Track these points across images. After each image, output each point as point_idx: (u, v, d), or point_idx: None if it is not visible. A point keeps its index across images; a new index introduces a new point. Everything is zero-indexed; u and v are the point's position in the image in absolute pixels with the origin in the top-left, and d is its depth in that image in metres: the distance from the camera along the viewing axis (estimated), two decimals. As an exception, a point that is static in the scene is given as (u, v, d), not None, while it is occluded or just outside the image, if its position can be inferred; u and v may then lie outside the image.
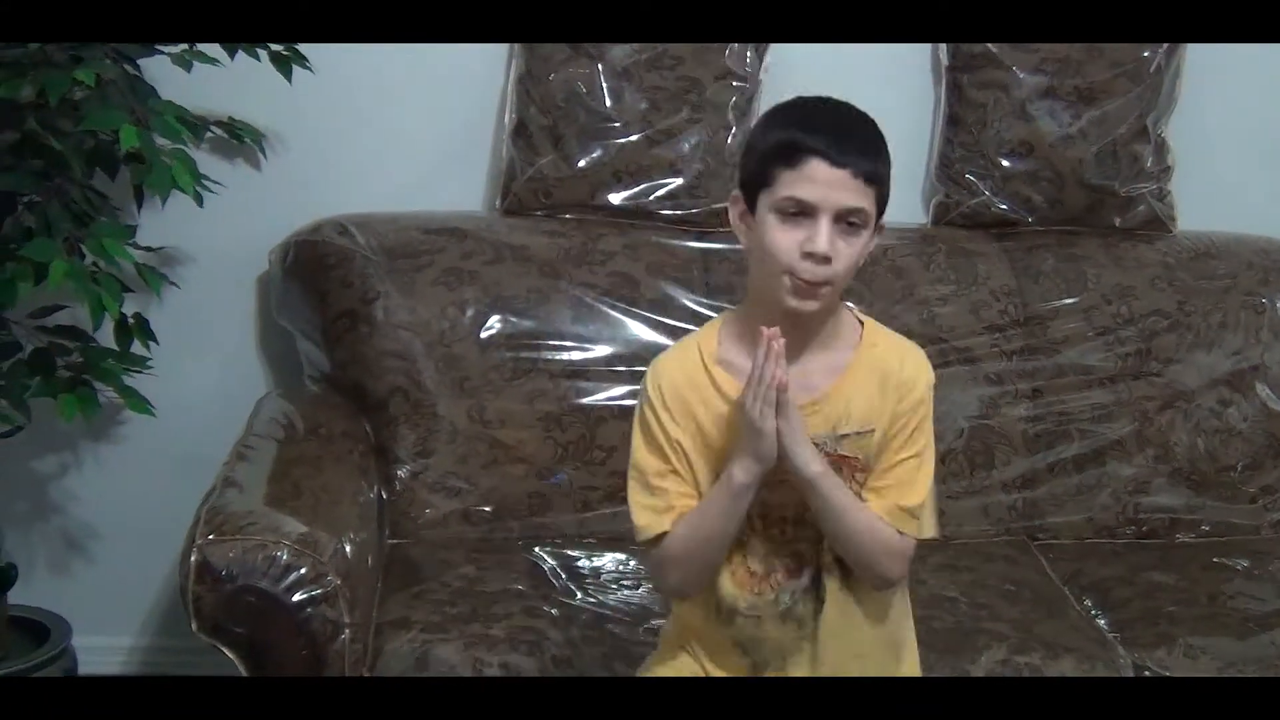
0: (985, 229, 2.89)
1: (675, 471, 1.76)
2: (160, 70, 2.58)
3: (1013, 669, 2.28)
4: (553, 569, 2.50)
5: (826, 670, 1.80)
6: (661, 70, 2.77)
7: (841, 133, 1.67)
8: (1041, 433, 2.80)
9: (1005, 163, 2.87)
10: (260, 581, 2.08)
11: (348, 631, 2.13)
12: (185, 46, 2.51)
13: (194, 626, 2.12)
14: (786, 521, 1.75)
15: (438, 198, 2.88)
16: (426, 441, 2.67)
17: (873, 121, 1.71)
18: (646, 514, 1.77)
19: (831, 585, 1.77)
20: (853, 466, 1.74)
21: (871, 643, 1.84)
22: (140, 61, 2.56)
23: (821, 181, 1.64)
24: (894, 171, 2.84)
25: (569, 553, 2.55)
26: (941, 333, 2.78)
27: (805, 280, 1.66)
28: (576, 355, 2.69)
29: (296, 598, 2.09)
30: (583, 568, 2.51)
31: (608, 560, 2.55)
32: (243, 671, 2.14)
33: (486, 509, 2.66)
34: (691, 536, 1.75)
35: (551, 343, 2.69)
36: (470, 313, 2.69)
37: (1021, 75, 2.83)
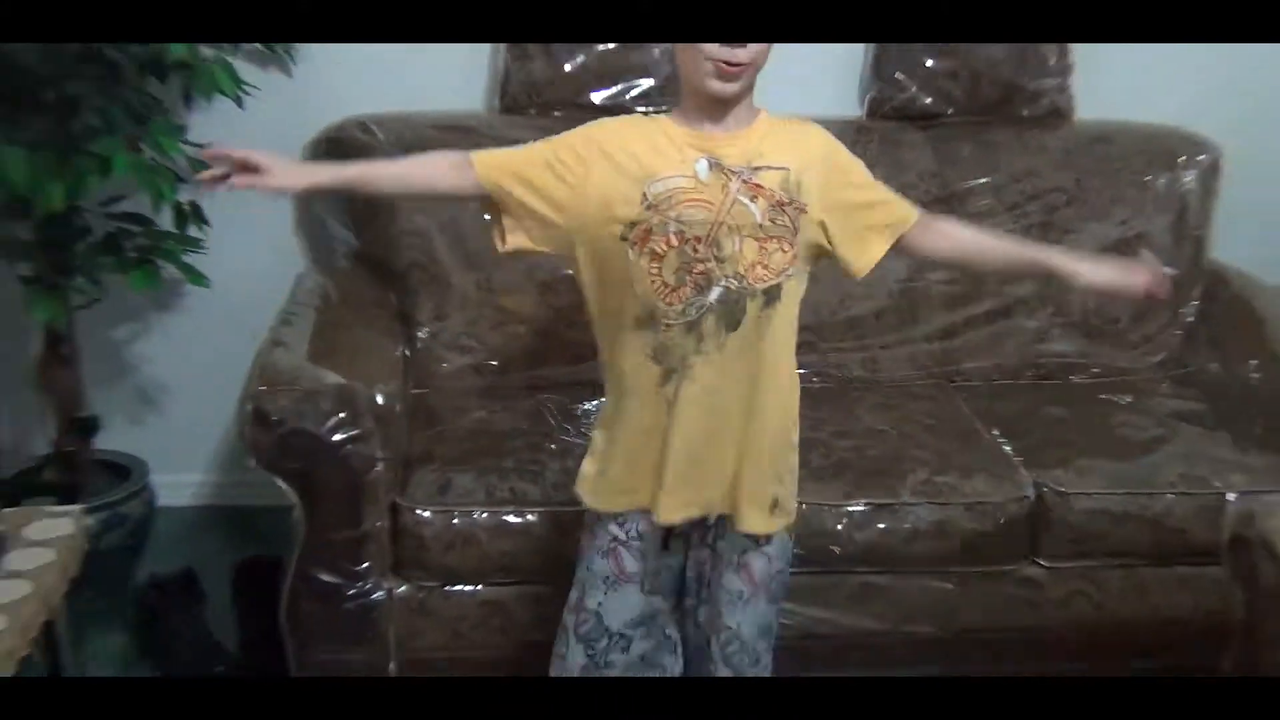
0: (912, 120, 2.89)
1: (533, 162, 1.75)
2: (203, -10, 2.56)
3: (933, 487, 2.34)
4: (550, 411, 2.55)
5: (722, 395, 1.76)
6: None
7: None
8: (958, 293, 2.83)
9: (929, 63, 2.86)
10: (307, 424, 2.14)
11: (380, 465, 2.19)
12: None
13: (252, 464, 2.18)
14: (699, 240, 1.69)
15: (444, 99, 2.87)
16: (441, 307, 2.71)
17: None
18: (493, 153, 1.78)
19: (752, 308, 1.72)
20: (769, 198, 1.70)
21: (768, 386, 1.80)
22: (185, -17, 2.54)
23: None
24: (830, 69, 2.93)
25: (563, 398, 2.58)
26: (875, 209, 2.81)
27: (725, 62, 1.65)
28: (567, 233, 2.70)
29: (337, 437, 2.14)
30: (575, 410, 2.54)
31: (596, 404, 2.59)
32: (294, 498, 2.20)
33: (494, 363, 2.71)
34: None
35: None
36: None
37: (930, 62, 2.86)
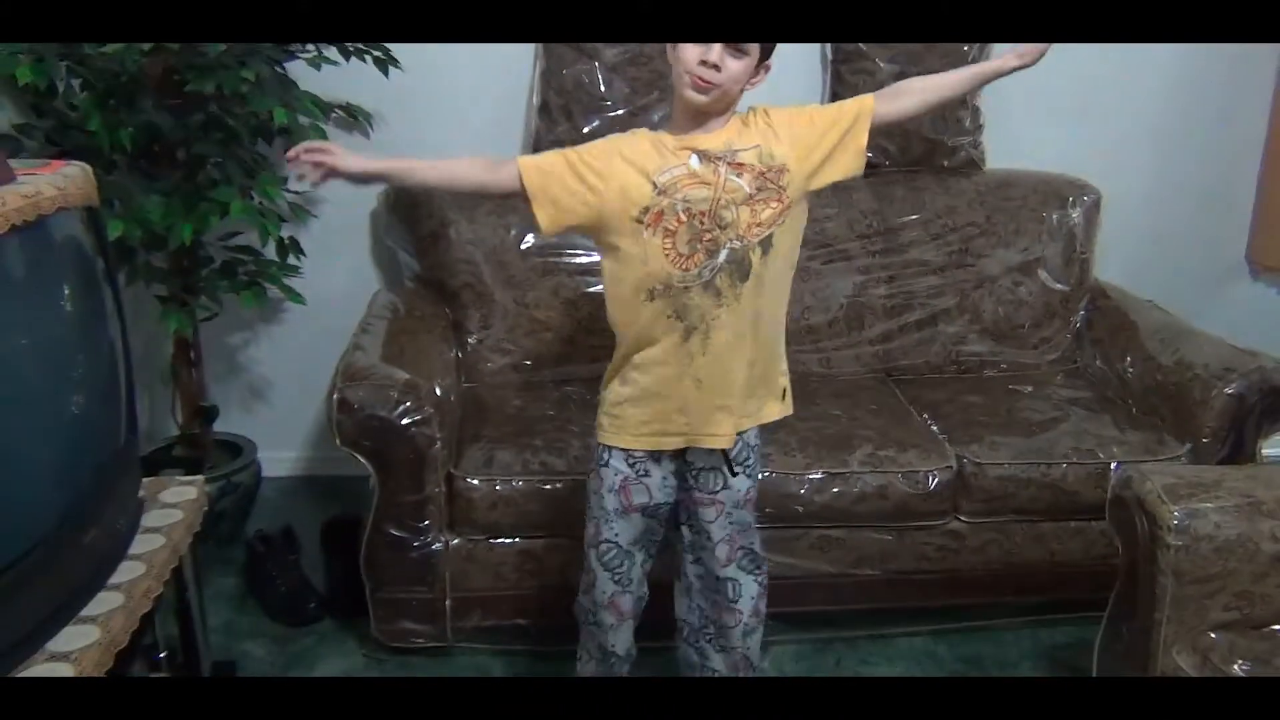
0: (857, 169, 2.87)
1: (569, 175, 1.72)
2: (300, 70, 2.54)
3: (876, 459, 2.32)
4: (574, 401, 2.53)
5: (741, 334, 1.74)
6: (638, 66, 2.73)
7: None
8: (895, 305, 2.81)
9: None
10: (381, 411, 2.12)
11: (439, 443, 2.18)
12: (316, 52, 2.48)
13: (337, 442, 2.16)
14: (705, 215, 1.66)
15: (489, 155, 2.84)
16: (487, 319, 2.68)
17: None
18: (536, 159, 1.78)
19: (755, 258, 1.70)
20: (752, 171, 1.68)
21: (774, 312, 1.79)
22: (286, 64, 2.52)
23: None
24: None
25: (584, 390, 2.54)
26: (828, 239, 2.78)
27: (700, 78, 1.64)
28: (584, 259, 2.67)
29: (405, 421, 2.13)
30: (594, 400, 2.47)
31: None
32: (370, 470, 2.18)
33: (528, 362, 2.68)
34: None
35: (567, 252, 2.69)
36: (513, 232, 2.68)
37: (882, 64, 2.79)
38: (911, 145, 2.86)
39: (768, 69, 1.72)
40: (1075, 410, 2.55)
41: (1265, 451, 2.44)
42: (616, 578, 1.89)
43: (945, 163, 2.90)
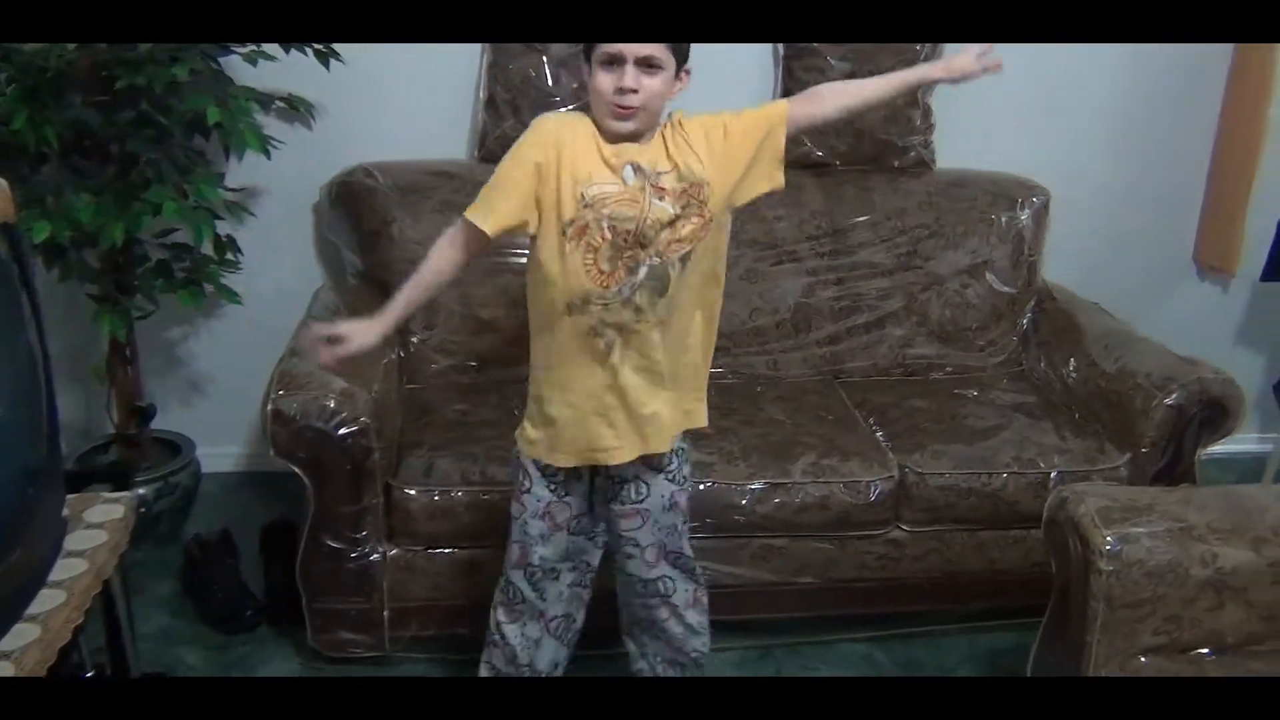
0: (807, 169, 2.83)
1: (517, 191, 1.65)
2: (241, 64, 2.47)
3: (818, 469, 2.31)
4: (516, 406, 2.46)
5: (659, 347, 1.73)
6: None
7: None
8: (843, 307, 2.79)
9: (821, 124, 2.81)
10: (316, 422, 2.09)
11: (376, 453, 2.14)
12: (253, 47, 2.41)
13: (272, 453, 2.12)
14: (630, 233, 1.64)
15: (434, 150, 2.79)
16: (431, 319, 2.64)
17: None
18: (482, 207, 1.68)
19: (674, 274, 1.68)
20: (674, 193, 1.66)
21: (690, 324, 1.77)
22: (221, 59, 2.44)
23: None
24: None
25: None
26: (777, 241, 2.75)
27: (619, 106, 1.62)
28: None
29: (341, 431, 2.09)
30: None
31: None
32: (307, 482, 2.15)
33: (472, 363, 2.65)
34: (427, 258, 1.76)
35: (512, 251, 2.60)
36: (458, 231, 2.64)
37: (834, 62, 2.76)
38: (862, 145, 2.84)
39: (688, 73, 1.69)
40: (1018, 417, 2.55)
41: (1203, 455, 2.45)
42: (542, 596, 1.91)
43: (896, 163, 2.88)
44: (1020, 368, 2.84)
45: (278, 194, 2.84)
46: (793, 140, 2.73)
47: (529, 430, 1.83)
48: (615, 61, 1.62)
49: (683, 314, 1.74)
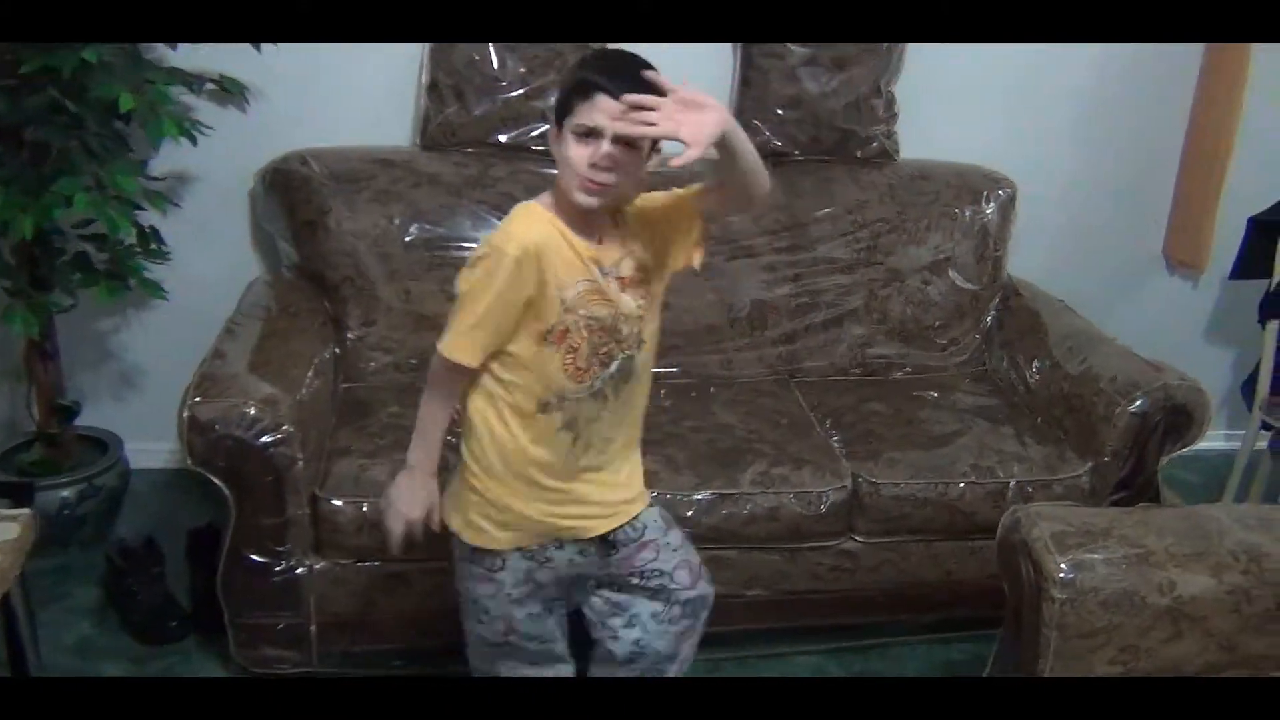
0: (766, 159, 2.66)
1: (507, 323, 1.56)
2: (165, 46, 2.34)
3: (768, 479, 2.21)
4: (456, 410, 2.37)
5: (618, 427, 1.68)
6: (534, 44, 2.56)
7: (624, 75, 1.47)
8: (800, 304, 2.68)
9: (780, 112, 2.70)
10: (235, 430, 1.97)
11: (301, 462, 2.03)
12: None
13: (189, 463, 2.01)
14: (605, 330, 1.59)
15: (374, 136, 2.66)
16: (369, 314, 2.52)
17: (652, 67, 1.49)
18: (468, 345, 1.57)
19: (638, 360, 1.65)
20: (633, 283, 1.62)
21: (642, 400, 1.72)
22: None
23: (604, 111, 1.48)
24: None
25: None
26: (732, 235, 2.64)
27: (592, 182, 1.52)
28: (473, 252, 2.51)
29: (261, 440, 1.98)
30: None
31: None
32: (226, 492, 2.03)
33: (413, 361, 2.51)
34: (427, 399, 1.71)
35: (456, 244, 2.52)
36: (397, 222, 2.51)
37: (793, 49, 2.64)
38: (823, 134, 2.73)
39: (658, 150, 1.59)
40: (978, 421, 2.46)
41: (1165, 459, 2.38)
42: (544, 639, 1.81)
43: (858, 153, 2.77)
44: (983, 368, 2.75)
45: (211, 181, 2.71)
46: (750, 129, 2.70)
47: (473, 517, 1.69)
48: (593, 135, 1.50)
49: (640, 391, 1.71)
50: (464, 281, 1.57)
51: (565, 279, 1.56)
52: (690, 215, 1.67)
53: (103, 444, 2.67)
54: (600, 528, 1.71)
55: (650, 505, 1.79)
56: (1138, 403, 2.28)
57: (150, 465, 2.88)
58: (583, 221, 1.58)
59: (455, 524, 1.72)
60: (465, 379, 1.65)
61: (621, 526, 1.74)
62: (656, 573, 1.77)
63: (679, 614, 1.80)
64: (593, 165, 1.51)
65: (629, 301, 1.62)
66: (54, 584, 2.47)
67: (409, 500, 1.70)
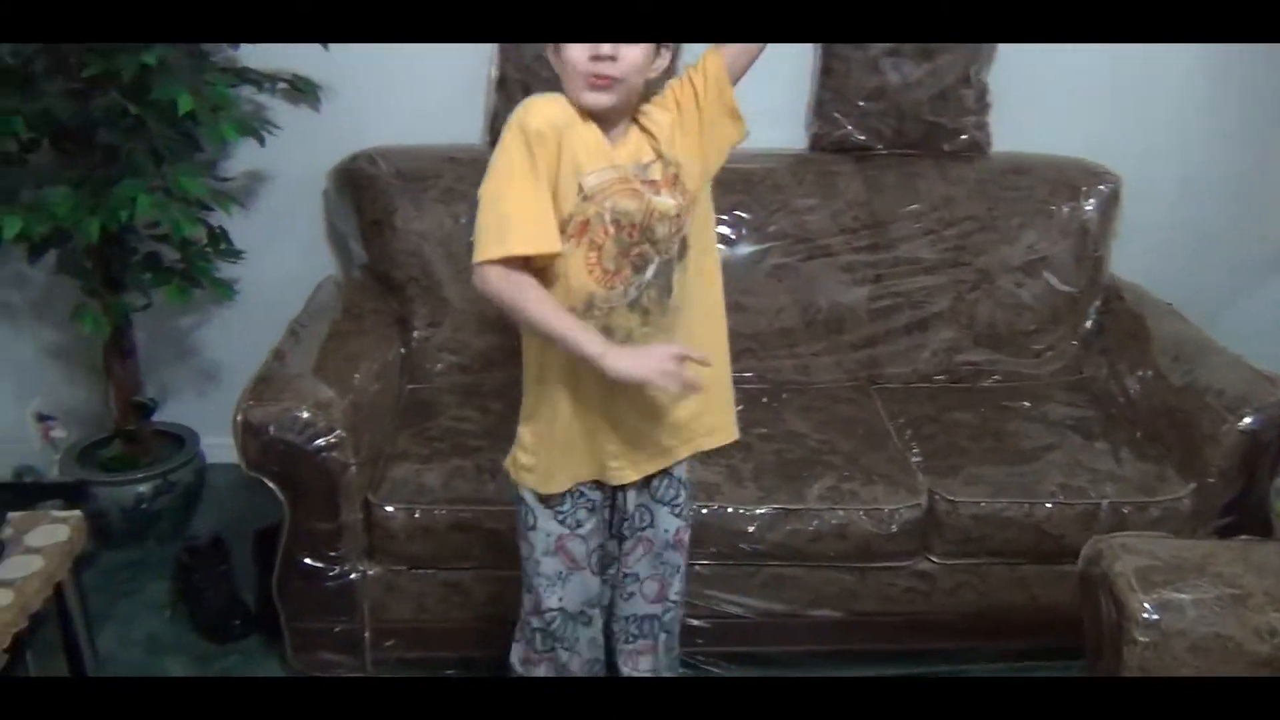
0: (847, 153, 2.59)
1: (531, 198, 1.44)
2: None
3: (837, 494, 2.10)
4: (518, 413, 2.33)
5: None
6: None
7: None
8: (882, 307, 2.54)
9: (862, 104, 2.56)
10: (287, 434, 1.96)
11: (354, 467, 2.01)
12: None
13: (244, 467, 2.00)
14: (635, 227, 1.48)
15: (444, 132, 2.61)
16: (434, 315, 2.49)
17: None
18: (492, 238, 1.45)
19: (678, 270, 1.53)
20: (669, 182, 1.51)
21: (697, 320, 1.60)
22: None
23: None
24: (781, 109, 2.64)
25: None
26: (808, 234, 2.52)
27: (597, 76, 1.42)
28: (540, 253, 2.46)
29: (314, 445, 1.96)
30: None
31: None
32: (280, 497, 2.02)
33: (476, 365, 2.48)
34: (519, 306, 1.48)
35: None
36: (463, 220, 2.46)
37: None
38: (908, 126, 2.58)
39: (670, 49, 1.50)
40: (1071, 435, 2.29)
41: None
42: (567, 645, 1.75)
43: (946, 146, 2.61)
44: (1080, 376, 2.57)
45: (285, 180, 2.71)
46: (830, 122, 2.58)
47: (521, 457, 1.66)
48: None
49: (692, 315, 1.59)
50: (488, 175, 1.48)
51: (585, 163, 1.46)
52: (714, 82, 1.52)
53: (180, 440, 2.70)
54: (624, 476, 1.63)
55: (684, 521, 1.71)
56: (1248, 419, 2.09)
57: (228, 460, 2.89)
58: (601, 127, 1.48)
59: (525, 480, 1.66)
60: (525, 271, 1.48)
61: (629, 516, 1.68)
62: (633, 576, 1.74)
63: (637, 631, 1.78)
64: (595, 58, 1.42)
65: (665, 200, 1.50)
66: (129, 579, 2.51)
67: (644, 359, 1.47)
